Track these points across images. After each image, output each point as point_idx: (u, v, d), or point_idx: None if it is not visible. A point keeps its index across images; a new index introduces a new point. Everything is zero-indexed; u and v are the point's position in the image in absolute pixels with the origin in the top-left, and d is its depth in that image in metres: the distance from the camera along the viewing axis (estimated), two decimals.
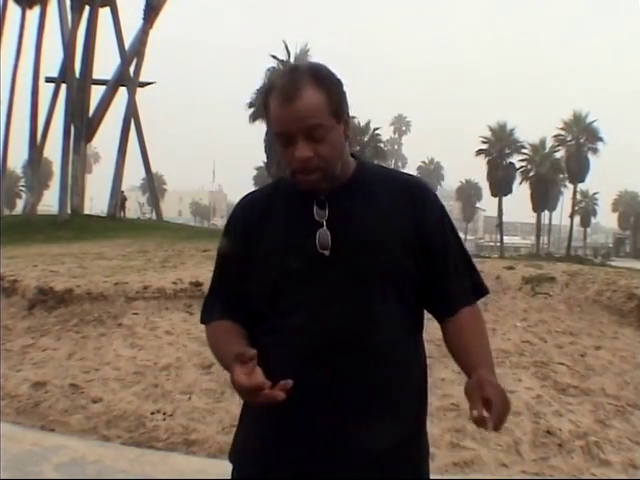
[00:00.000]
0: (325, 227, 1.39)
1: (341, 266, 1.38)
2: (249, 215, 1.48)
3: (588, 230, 76.28)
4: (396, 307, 1.41)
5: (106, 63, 26.94)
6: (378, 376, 1.37)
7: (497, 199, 54.42)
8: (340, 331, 1.36)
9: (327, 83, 1.35)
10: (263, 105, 1.40)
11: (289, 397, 1.23)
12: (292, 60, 35.67)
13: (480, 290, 1.53)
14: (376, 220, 1.40)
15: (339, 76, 1.40)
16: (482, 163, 54.29)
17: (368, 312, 1.38)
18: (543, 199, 54.23)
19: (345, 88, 1.41)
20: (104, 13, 25.40)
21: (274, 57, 35.50)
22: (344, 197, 1.42)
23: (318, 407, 1.36)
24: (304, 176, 1.36)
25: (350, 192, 1.43)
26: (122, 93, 25.93)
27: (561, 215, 64.95)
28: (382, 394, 1.39)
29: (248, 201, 1.55)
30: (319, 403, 1.36)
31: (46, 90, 25.94)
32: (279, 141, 1.37)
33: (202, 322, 1.58)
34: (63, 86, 24.65)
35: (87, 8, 24.47)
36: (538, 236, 56.84)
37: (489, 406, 1.25)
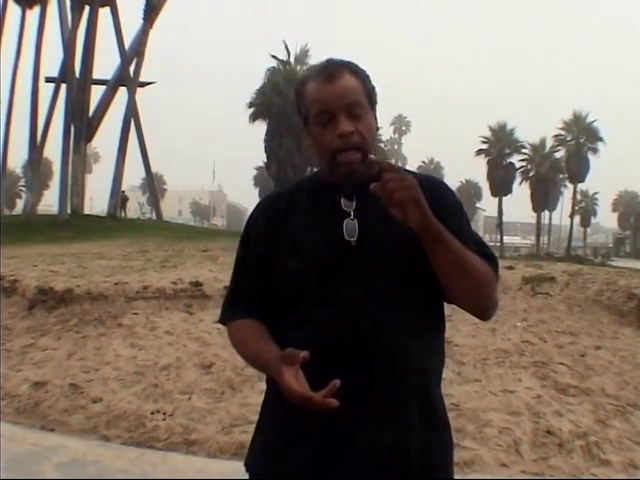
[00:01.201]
0: (353, 217, 1.42)
1: (369, 256, 1.40)
2: (272, 211, 1.50)
3: (588, 230, 76.29)
4: (423, 294, 1.42)
5: (106, 63, 26.97)
6: (405, 369, 1.37)
7: (497, 199, 54.39)
8: (369, 323, 1.36)
9: (361, 74, 1.46)
10: (296, 95, 1.46)
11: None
12: (292, 60, 35.70)
13: (494, 261, 1.48)
14: None
15: None
16: (482, 163, 54.30)
17: (397, 298, 1.39)
18: (543, 199, 54.20)
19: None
20: (104, 13, 25.45)
21: (274, 57, 35.51)
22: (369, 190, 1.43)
23: (350, 407, 1.32)
24: (345, 156, 1.39)
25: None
26: (122, 93, 25.97)
27: (561, 215, 64.99)
28: (410, 388, 1.39)
29: (269, 199, 1.57)
30: (350, 402, 1.32)
31: (46, 90, 25.99)
32: (318, 121, 1.42)
33: (222, 322, 1.58)
34: (63, 86, 24.65)
35: (87, 8, 24.48)
36: (538, 236, 56.83)
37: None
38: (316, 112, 1.42)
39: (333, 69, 1.42)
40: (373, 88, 1.48)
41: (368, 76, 1.47)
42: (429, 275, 1.41)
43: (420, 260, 1.40)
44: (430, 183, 1.49)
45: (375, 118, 1.48)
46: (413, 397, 1.39)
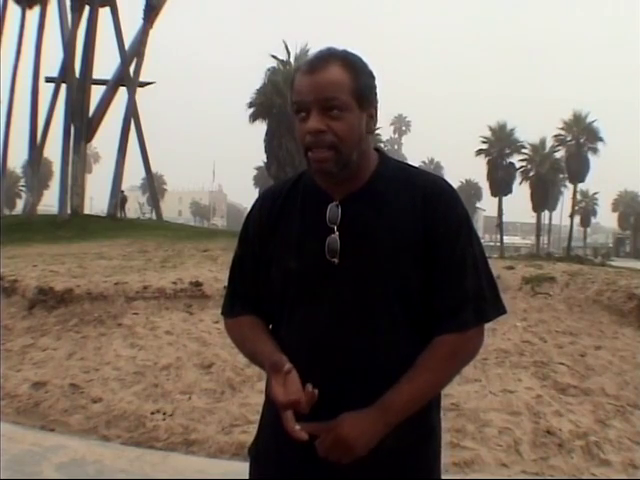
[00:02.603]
0: (336, 233, 1.36)
1: (347, 276, 1.35)
2: (267, 210, 1.47)
3: (588, 230, 76.25)
4: (402, 320, 1.37)
5: (106, 63, 26.93)
6: (379, 389, 1.33)
7: (497, 199, 54.37)
8: (341, 347, 1.35)
9: (356, 68, 1.34)
10: (290, 86, 1.39)
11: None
12: (292, 60, 35.67)
13: (482, 313, 1.37)
14: (388, 230, 1.35)
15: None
16: (482, 163, 54.24)
17: (371, 325, 1.35)
18: (543, 199, 54.18)
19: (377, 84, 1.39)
20: (104, 13, 25.39)
21: (274, 57, 35.50)
22: (359, 202, 1.38)
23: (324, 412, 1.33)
24: (315, 153, 1.32)
25: (366, 197, 1.39)
26: (122, 93, 25.92)
27: (561, 215, 64.95)
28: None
29: (268, 195, 1.53)
30: (326, 407, 1.33)
31: (46, 90, 25.97)
32: (296, 114, 1.35)
33: (223, 314, 1.57)
34: (63, 86, 24.64)
35: (87, 8, 24.45)
36: (538, 236, 56.80)
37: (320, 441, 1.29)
38: (293, 101, 1.36)
39: (319, 60, 1.33)
40: (368, 86, 1.36)
41: (367, 73, 1.36)
42: (412, 295, 1.36)
43: (402, 283, 1.35)
44: (433, 193, 1.38)
45: (371, 117, 1.37)
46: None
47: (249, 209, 1.56)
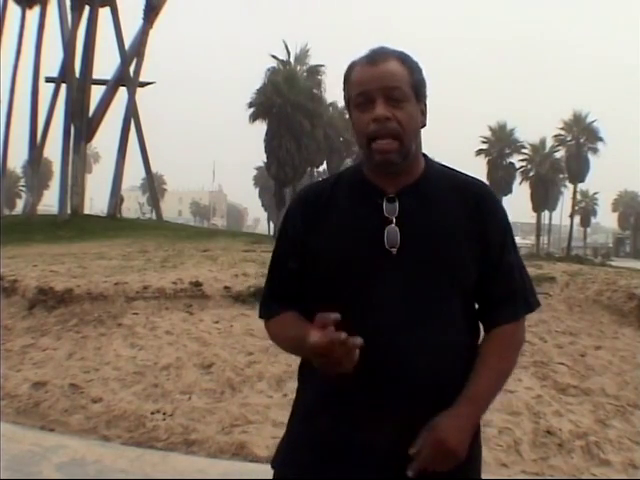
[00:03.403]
0: (394, 224, 1.37)
1: (409, 266, 1.36)
2: (312, 202, 1.45)
3: (588, 230, 76.24)
4: (460, 310, 1.40)
5: (106, 63, 26.95)
6: (442, 378, 1.35)
7: None
8: (402, 337, 1.33)
9: (411, 63, 1.41)
10: (343, 81, 1.42)
11: (339, 402, 1.31)
12: (292, 60, 35.71)
13: (529, 304, 1.48)
14: (446, 223, 1.39)
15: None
16: (482, 163, 54.26)
17: (433, 313, 1.36)
18: (543, 199, 54.20)
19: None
20: (104, 13, 25.43)
21: (274, 57, 35.56)
22: (414, 196, 1.40)
23: (372, 414, 1.33)
24: (380, 144, 1.34)
25: (420, 191, 1.41)
26: (122, 93, 25.96)
27: (561, 215, 64.96)
28: (431, 399, 1.36)
29: (310, 190, 1.52)
30: (374, 407, 1.33)
31: (46, 90, 25.99)
32: (357, 104, 1.37)
33: (261, 317, 1.54)
34: (63, 86, 24.66)
35: (87, 8, 24.46)
36: (538, 236, 56.80)
37: (419, 453, 1.31)
38: (355, 94, 1.38)
39: (379, 54, 1.39)
40: (422, 81, 1.42)
41: (419, 69, 1.42)
42: (465, 287, 1.40)
43: (461, 274, 1.38)
44: (485, 196, 1.45)
45: (423, 113, 1.42)
46: (434, 409, 1.35)
47: (288, 206, 1.54)
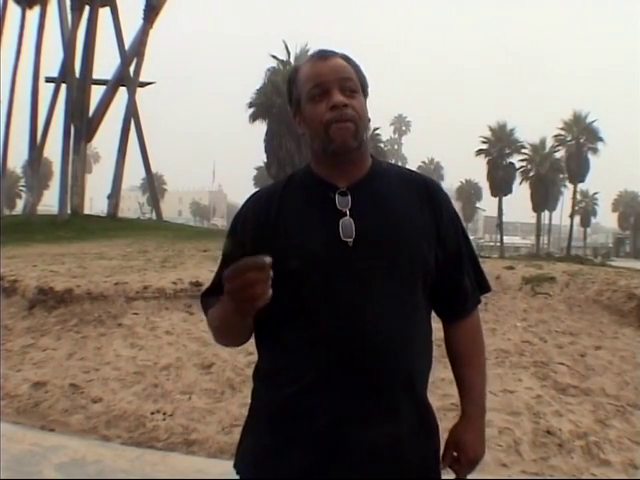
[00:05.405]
0: (348, 217, 1.39)
1: (367, 257, 1.37)
2: (263, 206, 1.45)
3: (588, 230, 76.23)
4: (421, 300, 1.42)
5: (106, 63, 26.92)
6: (405, 372, 1.37)
7: (497, 199, 54.36)
8: (370, 326, 1.34)
9: (355, 62, 1.48)
10: (288, 84, 1.48)
11: (299, 399, 1.32)
12: (292, 60, 35.68)
13: (485, 287, 1.59)
14: (400, 213, 1.41)
15: None
16: (482, 163, 54.24)
17: (394, 305, 1.37)
18: (543, 199, 54.17)
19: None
20: (104, 13, 25.38)
21: (274, 57, 35.52)
22: (365, 189, 1.42)
23: (333, 405, 1.34)
24: (338, 126, 1.37)
25: (371, 185, 1.44)
26: (122, 93, 25.91)
27: (561, 215, 64.98)
28: (407, 388, 1.38)
29: (260, 195, 1.52)
30: (349, 404, 1.34)
31: (46, 90, 25.95)
32: (311, 97, 1.40)
33: (205, 311, 1.58)
34: (63, 86, 24.62)
35: (87, 8, 24.45)
36: (538, 236, 56.79)
37: (457, 460, 1.49)
38: (309, 88, 1.41)
39: (327, 52, 1.45)
40: (366, 79, 1.48)
41: (360, 68, 1.49)
42: (425, 276, 1.42)
43: (418, 260, 1.40)
44: (434, 187, 1.51)
45: (366, 108, 1.47)
46: (411, 399, 1.39)
47: (239, 209, 1.54)
